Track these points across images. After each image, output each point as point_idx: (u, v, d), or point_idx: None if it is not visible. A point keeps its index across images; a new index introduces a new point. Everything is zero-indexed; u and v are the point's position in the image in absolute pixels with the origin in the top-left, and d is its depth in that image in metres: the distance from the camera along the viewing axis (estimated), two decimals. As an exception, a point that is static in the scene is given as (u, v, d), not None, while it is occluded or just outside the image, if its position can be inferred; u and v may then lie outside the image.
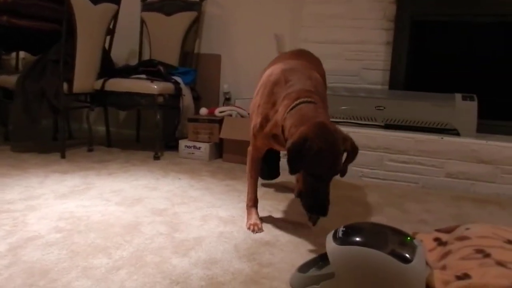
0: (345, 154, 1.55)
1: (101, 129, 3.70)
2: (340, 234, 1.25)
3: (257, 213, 1.89)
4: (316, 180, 1.46)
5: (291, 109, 1.57)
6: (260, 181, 2.35)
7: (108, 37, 3.35)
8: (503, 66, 2.91)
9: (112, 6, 3.14)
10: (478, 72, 2.94)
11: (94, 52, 3.09)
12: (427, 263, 1.43)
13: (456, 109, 2.65)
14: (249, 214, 1.88)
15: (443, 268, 1.27)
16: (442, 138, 2.61)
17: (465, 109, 2.64)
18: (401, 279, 1.13)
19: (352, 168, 2.75)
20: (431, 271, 1.24)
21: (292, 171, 1.46)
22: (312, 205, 1.48)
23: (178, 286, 1.29)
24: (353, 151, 1.56)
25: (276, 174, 2.55)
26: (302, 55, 2.07)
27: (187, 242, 1.62)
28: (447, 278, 1.16)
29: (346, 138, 1.52)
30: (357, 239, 1.21)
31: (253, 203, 1.90)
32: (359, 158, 2.72)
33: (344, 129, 2.73)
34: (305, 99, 1.57)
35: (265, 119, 1.72)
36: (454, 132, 2.68)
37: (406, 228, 1.83)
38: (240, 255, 1.53)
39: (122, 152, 3.24)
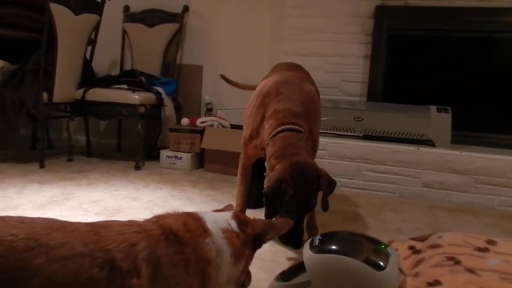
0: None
1: (81, 138, 3.68)
2: (316, 242, 1.28)
3: None
4: (290, 216, 1.49)
5: (274, 135, 1.61)
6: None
7: (90, 47, 3.34)
8: (476, 80, 3.01)
9: (93, 17, 3.15)
10: (453, 85, 3.04)
11: (74, 62, 3.08)
12: (401, 271, 1.47)
13: (431, 121, 2.73)
14: None
15: (416, 275, 1.31)
16: (418, 148, 2.68)
17: (440, 120, 2.72)
18: (375, 285, 1.17)
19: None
20: (404, 278, 1.27)
21: (268, 214, 1.50)
22: (286, 239, 1.52)
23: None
24: (329, 188, 1.57)
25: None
26: (296, 66, 2.11)
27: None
28: (419, 285, 1.20)
29: (321, 176, 1.53)
30: (333, 247, 1.24)
31: (240, 209, 1.92)
32: (339, 168, 2.80)
33: (325, 140, 2.83)
34: (289, 126, 1.61)
35: (255, 131, 1.75)
36: (430, 143, 2.76)
37: (383, 237, 1.88)
38: (219, 265, 1.54)
39: (102, 162, 3.22)
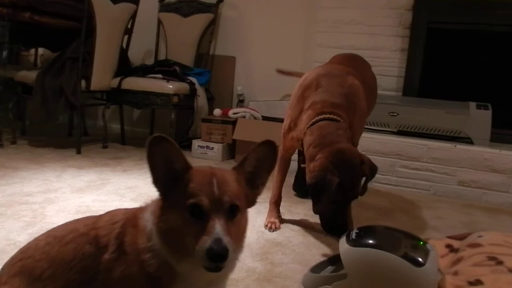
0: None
1: (115, 126, 3.75)
2: (353, 236, 1.27)
3: (278, 211, 1.93)
4: (336, 205, 1.51)
5: (311, 124, 1.60)
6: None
7: (126, 36, 3.40)
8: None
9: (131, 6, 3.19)
10: (493, 81, 2.94)
11: (112, 51, 3.15)
12: (438, 269, 1.44)
13: (470, 118, 2.65)
14: (270, 211, 1.91)
15: (455, 274, 1.28)
16: (455, 146, 2.61)
17: (479, 117, 2.64)
18: (413, 282, 1.15)
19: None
20: (443, 276, 1.25)
21: (315, 207, 1.48)
22: (332, 228, 1.53)
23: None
24: (371, 173, 1.58)
25: None
26: (351, 59, 2.09)
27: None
28: (459, 283, 1.18)
29: (364, 162, 1.53)
30: (370, 241, 1.23)
31: (276, 199, 1.93)
32: (371, 163, 2.75)
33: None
34: (327, 115, 1.60)
35: (293, 122, 1.76)
36: (467, 141, 2.68)
37: (418, 234, 1.84)
38: (253, 254, 1.56)
39: (135, 150, 3.29)
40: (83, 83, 2.97)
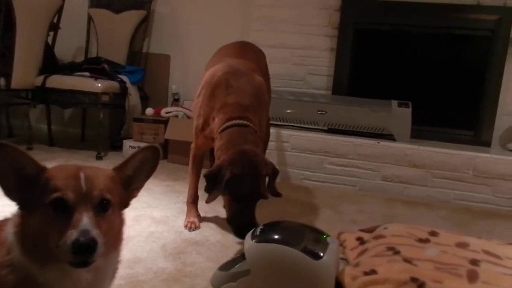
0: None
1: (45, 127, 3.58)
2: (257, 232, 1.28)
3: (196, 210, 1.91)
4: (239, 203, 1.54)
5: (222, 130, 1.64)
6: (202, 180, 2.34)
7: (52, 33, 3.25)
8: (436, 75, 3.06)
9: (55, 0, 3.05)
10: (414, 80, 3.09)
11: (35, 47, 2.99)
12: (346, 261, 1.49)
13: (392, 115, 2.77)
14: (188, 211, 1.89)
15: (357, 265, 1.33)
16: (378, 142, 2.72)
17: (400, 115, 2.77)
18: (312, 274, 1.18)
19: (294, 170, 2.82)
20: (343, 267, 1.29)
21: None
22: (239, 229, 1.53)
23: (95, 285, 1.27)
24: (273, 173, 1.64)
25: None
26: (245, 49, 2.11)
27: (113, 241, 1.60)
28: (355, 273, 1.22)
29: (267, 163, 1.61)
30: (272, 236, 1.25)
31: (193, 199, 1.92)
32: (301, 160, 2.82)
33: (288, 132, 2.83)
34: (237, 121, 1.64)
35: (206, 122, 1.77)
36: (391, 137, 2.80)
37: (337, 228, 1.91)
38: (166, 254, 1.53)
39: (64, 151, 3.15)
40: (2, 80, 2.81)
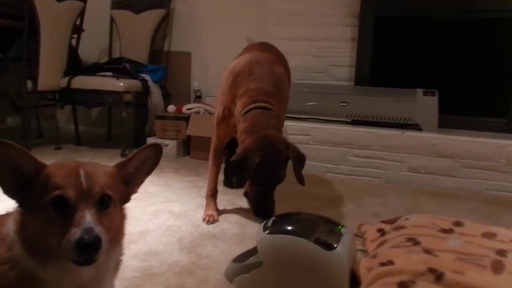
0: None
1: (73, 127, 3.67)
2: (269, 224, 1.25)
3: (215, 204, 1.91)
4: (260, 188, 1.58)
5: (246, 112, 1.65)
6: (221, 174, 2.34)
7: (76, 35, 3.33)
8: (463, 62, 2.93)
9: (77, 3, 3.12)
10: (440, 68, 2.96)
11: (59, 50, 3.07)
12: (366, 252, 1.44)
13: (418, 104, 2.67)
14: (207, 204, 1.89)
15: (374, 256, 1.28)
16: (403, 133, 2.62)
17: (426, 104, 2.66)
18: (324, 265, 1.14)
19: (316, 163, 2.76)
20: (359, 259, 1.24)
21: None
22: (257, 210, 1.62)
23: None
24: (299, 158, 1.64)
25: None
26: (269, 47, 2.13)
27: (130, 236, 1.60)
28: (371, 265, 1.17)
29: (289, 146, 1.61)
30: (284, 228, 1.22)
31: (212, 193, 1.92)
32: (324, 153, 2.76)
33: (310, 125, 2.78)
34: (260, 104, 1.65)
35: (227, 110, 1.77)
36: (417, 127, 2.70)
37: (358, 221, 1.85)
38: (182, 248, 1.53)
39: (90, 150, 3.22)
40: (29, 83, 2.89)
